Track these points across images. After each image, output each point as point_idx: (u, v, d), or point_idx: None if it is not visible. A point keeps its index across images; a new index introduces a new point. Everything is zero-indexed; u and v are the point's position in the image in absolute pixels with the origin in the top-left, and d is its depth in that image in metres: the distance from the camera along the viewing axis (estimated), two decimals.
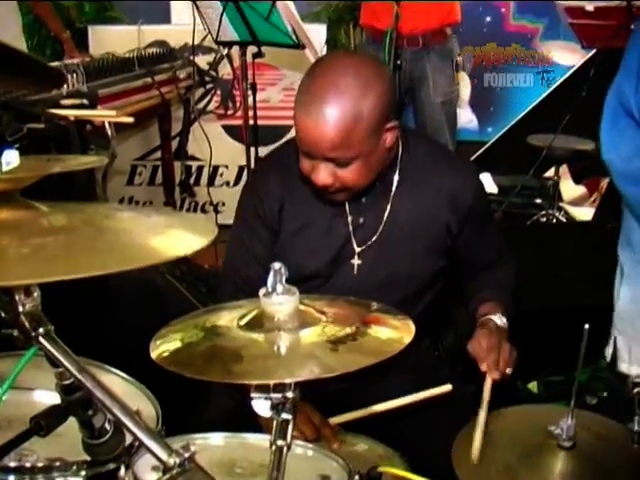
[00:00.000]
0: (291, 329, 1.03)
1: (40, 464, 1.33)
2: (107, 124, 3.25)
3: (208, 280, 3.41)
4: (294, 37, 3.38)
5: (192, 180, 4.94)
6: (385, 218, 1.84)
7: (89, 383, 0.95)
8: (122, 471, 1.30)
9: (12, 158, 1.04)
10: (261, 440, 1.42)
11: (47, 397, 1.53)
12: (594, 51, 4.44)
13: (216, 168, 4.92)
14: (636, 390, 1.43)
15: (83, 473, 1.31)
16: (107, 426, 1.20)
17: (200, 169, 4.97)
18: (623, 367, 1.98)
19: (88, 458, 1.32)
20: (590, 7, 3.51)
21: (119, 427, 1.24)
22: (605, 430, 1.56)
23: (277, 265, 1.06)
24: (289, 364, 0.98)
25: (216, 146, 4.43)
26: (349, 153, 1.67)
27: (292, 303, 1.05)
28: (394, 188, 1.85)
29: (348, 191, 1.76)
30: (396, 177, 1.85)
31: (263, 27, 3.41)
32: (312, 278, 1.86)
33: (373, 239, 1.85)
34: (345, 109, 1.62)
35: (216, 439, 1.43)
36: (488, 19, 5.18)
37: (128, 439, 1.29)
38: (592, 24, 3.52)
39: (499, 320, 1.89)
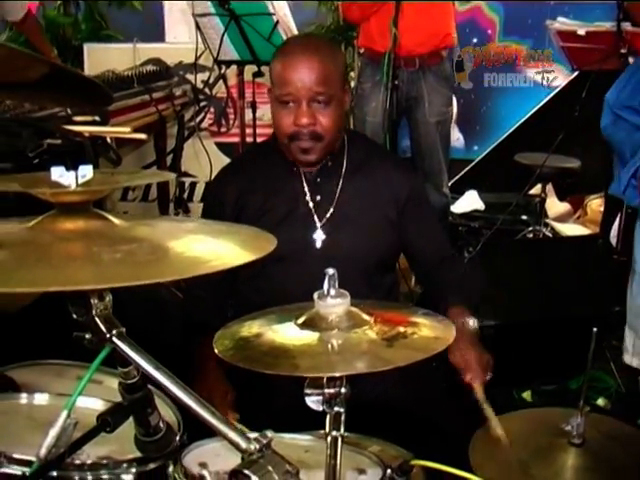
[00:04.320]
0: (344, 329, 1.13)
1: (89, 461, 1.40)
2: (109, 139, 3.32)
3: None
4: None
5: (185, 196, 5.01)
6: (338, 194, 2.12)
7: (166, 380, 1.03)
8: (171, 468, 1.38)
9: (86, 171, 1.12)
10: (295, 439, 1.50)
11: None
12: (576, 73, 4.60)
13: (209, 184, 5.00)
14: None
15: (133, 470, 1.38)
16: (161, 424, 1.28)
17: (193, 185, 5.04)
18: (626, 358, 2.14)
19: (134, 457, 1.41)
20: (582, 31, 3.64)
21: (171, 426, 1.33)
22: (613, 430, 1.66)
23: (331, 271, 1.16)
24: (350, 359, 1.07)
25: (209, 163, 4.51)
26: (330, 90, 2.01)
27: (345, 305, 1.15)
28: (344, 170, 2.13)
29: (320, 143, 2.03)
30: (345, 160, 2.15)
31: (264, 47, 3.51)
32: (278, 259, 2.01)
33: (330, 212, 2.10)
34: (324, 52, 2.06)
35: None
36: (475, 40, 5.33)
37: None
38: (583, 47, 3.66)
39: (472, 323, 2.00)
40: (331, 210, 2.10)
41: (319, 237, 2.09)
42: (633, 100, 2.05)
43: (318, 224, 2.10)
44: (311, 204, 2.11)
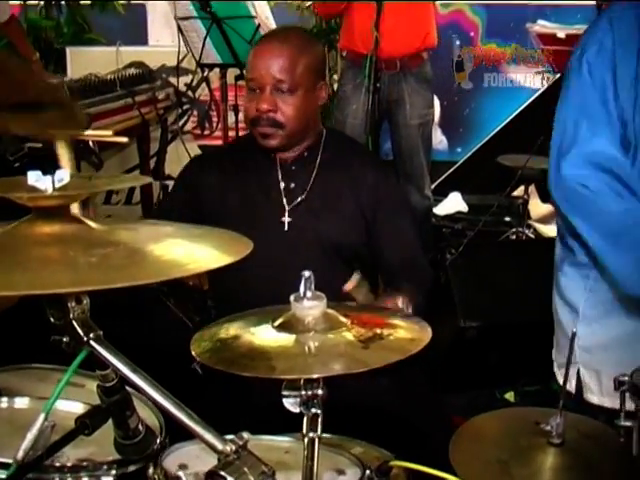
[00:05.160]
0: (321, 331, 1.14)
1: (69, 464, 1.41)
2: (91, 142, 3.32)
3: (192, 296, 3.49)
4: None
5: None
6: (311, 183, 2.15)
7: (142, 382, 1.03)
8: (151, 470, 1.39)
9: (63, 176, 1.13)
10: (276, 440, 1.51)
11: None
12: (558, 75, 4.64)
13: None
14: (621, 388, 1.55)
15: (113, 472, 1.39)
16: (140, 427, 1.28)
17: None
18: (593, 399, 1.99)
19: (114, 459, 1.41)
20: (562, 34, 3.68)
21: (150, 429, 1.33)
22: (591, 430, 1.67)
23: (307, 273, 1.16)
24: (327, 361, 1.08)
25: None
26: (293, 79, 2.05)
27: (321, 307, 1.16)
28: (318, 159, 2.17)
29: (281, 130, 2.07)
30: (320, 151, 2.18)
31: (246, 50, 3.51)
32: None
33: (301, 198, 2.14)
34: (292, 42, 2.10)
35: None
36: (458, 42, 5.36)
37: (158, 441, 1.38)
38: (563, 50, 3.69)
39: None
40: (302, 196, 2.14)
41: (286, 220, 2.13)
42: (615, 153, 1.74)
43: (287, 207, 2.14)
44: (283, 190, 2.15)
